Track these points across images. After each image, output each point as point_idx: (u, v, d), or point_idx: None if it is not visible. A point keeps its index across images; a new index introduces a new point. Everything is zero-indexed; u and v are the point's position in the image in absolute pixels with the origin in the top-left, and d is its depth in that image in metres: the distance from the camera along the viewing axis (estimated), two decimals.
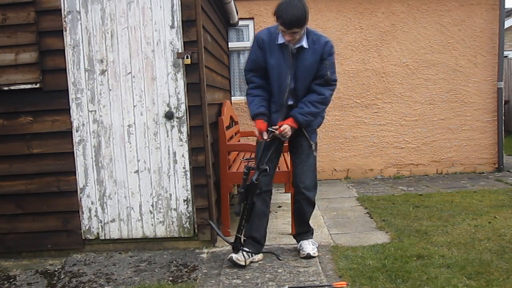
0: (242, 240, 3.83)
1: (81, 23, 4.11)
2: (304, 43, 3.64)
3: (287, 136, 3.74)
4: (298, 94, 3.76)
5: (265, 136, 3.70)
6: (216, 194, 4.55)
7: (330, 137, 7.73)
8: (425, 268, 3.59)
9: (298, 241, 4.06)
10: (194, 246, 4.28)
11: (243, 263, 3.72)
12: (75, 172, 4.22)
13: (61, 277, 3.83)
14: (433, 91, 7.69)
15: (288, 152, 4.08)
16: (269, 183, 3.88)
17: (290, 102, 3.79)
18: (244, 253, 3.77)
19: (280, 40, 3.65)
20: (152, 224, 4.26)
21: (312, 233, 4.12)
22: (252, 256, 3.81)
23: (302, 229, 4.06)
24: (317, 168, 4.05)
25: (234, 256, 3.74)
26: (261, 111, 3.75)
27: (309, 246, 3.94)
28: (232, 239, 3.96)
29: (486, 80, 7.70)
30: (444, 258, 3.76)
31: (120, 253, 4.23)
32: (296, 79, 3.71)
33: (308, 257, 3.85)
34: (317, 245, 4.03)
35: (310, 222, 4.11)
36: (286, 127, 3.70)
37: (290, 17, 3.43)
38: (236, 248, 3.83)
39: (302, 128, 3.79)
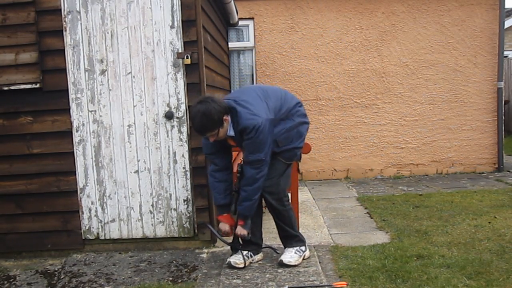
0: (238, 239, 3.83)
1: (81, 23, 4.11)
2: (231, 132, 3.54)
3: (245, 235, 3.68)
4: None
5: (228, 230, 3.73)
6: None
7: (330, 137, 7.73)
8: (425, 268, 3.59)
9: (284, 248, 3.87)
10: (194, 246, 4.28)
11: (242, 266, 3.72)
12: (75, 172, 4.22)
13: (61, 277, 3.83)
14: (433, 91, 7.69)
15: None
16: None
17: None
18: (243, 254, 3.77)
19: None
20: (152, 224, 4.26)
21: (298, 241, 3.84)
22: (251, 257, 3.81)
23: (281, 232, 3.86)
24: (301, 167, 3.89)
25: (232, 260, 3.73)
26: (224, 203, 3.72)
27: (287, 254, 3.74)
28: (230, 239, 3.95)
29: (486, 80, 7.70)
30: (444, 258, 3.76)
31: (120, 253, 4.23)
32: None
33: (281, 264, 3.68)
34: (301, 255, 3.78)
35: (310, 222, 4.09)
36: (237, 230, 3.69)
37: (197, 127, 3.43)
38: (234, 248, 3.82)
39: (278, 153, 3.68)
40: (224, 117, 3.44)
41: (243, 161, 3.63)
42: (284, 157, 3.72)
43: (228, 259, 3.78)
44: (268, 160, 3.55)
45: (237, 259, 3.74)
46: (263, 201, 3.93)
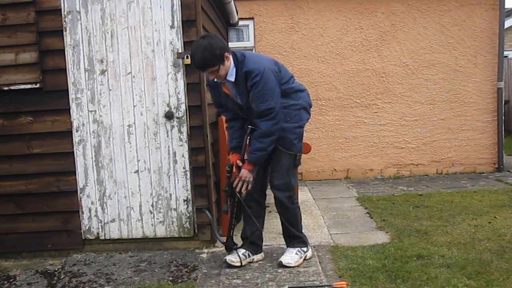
0: (233, 238, 3.79)
1: (81, 23, 4.11)
2: (231, 77, 3.52)
3: (250, 179, 3.62)
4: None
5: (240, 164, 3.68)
6: (216, 194, 4.55)
7: (330, 137, 7.73)
8: (425, 268, 3.59)
9: (286, 247, 3.87)
10: (194, 246, 4.28)
11: (238, 264, 3.70)
12: (75, 172, 4.22)
13: (61, 277, 3.83)
14: (433, 91, 7.69)
15: None
16: (261, 183, 3.83)
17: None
18: (240, 253, 3.76)
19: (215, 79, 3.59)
20: (152, 224, 4.26)
21: (301, 242, 3.82)
22: (249, 256, 3.80)
23: (284, 232, 3.87)
24: (301, 167, 3.86)
25: (228, 258, 3.73)
26: (233, 145, 3.75)
27: (288, 255, 3.73)
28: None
29: (486, 80, 7.70)
30: (444, 258, 3.76)
31: (120, 253, 4.23)
32: (247, 109, 3.63)
33: (280, 265, 3.66)
34: (302, 256, 3.77)
35: (310, 222, 4.09)
36: (242, 173, 3.62)
37: (197, 61, 3.40)
38: (228, 248, 3.80)
39: (279, 146, 3.66)
40: (226, 54, 3.44)
41: (255, 114, 3.55)
42: (282, 144, 3.65)
43: (224, 257, 3.78)
44: (280, 108, 3.52)
45: (233, 257, 3.73)
46: (264, 201, 3.94)
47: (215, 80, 3.58)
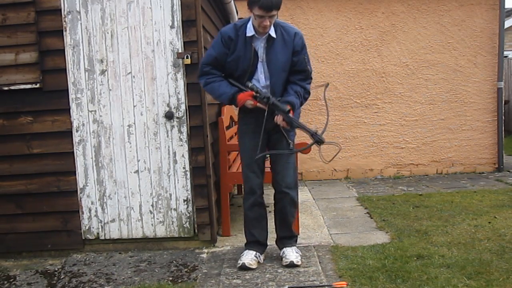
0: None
1: (81, 23, 4.11)
2: (272, 33, 3.52)
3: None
4: (274, 90, 3.60)
5: (252, 102, 3.52)
6: (216, 194, 4.55)
7: (330, 137, 7.70)
8: (425, 268, 3.59)
9: (280, 248, 3.86)
10: (194, 246, 4.28)
11: (255, 267, 3.69)
12: (75, 172, 4.22)
13: (61, 277, 3.84)
14: (433, 91, 7.69)
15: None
16: (261, 186, 3.80)
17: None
18: (253, 255, 3.74)
19: (249, 32, 3.52)
20: (152, 224, 4.26)
21: (296, 241, 3.91)
22: (259, 257, 3.80)
23: (284, 233, 3.87)
24: (301, 167, 3.90)
25: (246, 262, 3.67)
26: (234, 91, 3.56)
27: (292, 254, 3.73)
28: (232, 239, 3.92)
29: (486, 80, 7.70)
30: (444, 258, 3.76)
31: (120, 253, 4.23)
32: (271, 75, 3.59)
33: (291, 265, 3.64)
34: (300, 254, 3.82)
35: (310, 222, 4.10)
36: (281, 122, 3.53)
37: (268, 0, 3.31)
38: (320, 141, 3.50)
39: (281, 128, 3.58)
40: None
41: (303, 77, 3.63)
42: (292, 136, 3.70)
43: (240, 261, 3.71)
44: None
45: (250, 260, 3.70)
46: (265, 202, 3.93)
47: (252, 34, 3.50)
